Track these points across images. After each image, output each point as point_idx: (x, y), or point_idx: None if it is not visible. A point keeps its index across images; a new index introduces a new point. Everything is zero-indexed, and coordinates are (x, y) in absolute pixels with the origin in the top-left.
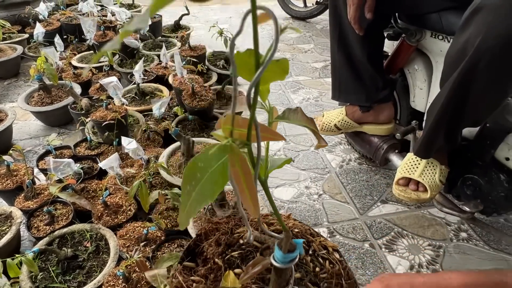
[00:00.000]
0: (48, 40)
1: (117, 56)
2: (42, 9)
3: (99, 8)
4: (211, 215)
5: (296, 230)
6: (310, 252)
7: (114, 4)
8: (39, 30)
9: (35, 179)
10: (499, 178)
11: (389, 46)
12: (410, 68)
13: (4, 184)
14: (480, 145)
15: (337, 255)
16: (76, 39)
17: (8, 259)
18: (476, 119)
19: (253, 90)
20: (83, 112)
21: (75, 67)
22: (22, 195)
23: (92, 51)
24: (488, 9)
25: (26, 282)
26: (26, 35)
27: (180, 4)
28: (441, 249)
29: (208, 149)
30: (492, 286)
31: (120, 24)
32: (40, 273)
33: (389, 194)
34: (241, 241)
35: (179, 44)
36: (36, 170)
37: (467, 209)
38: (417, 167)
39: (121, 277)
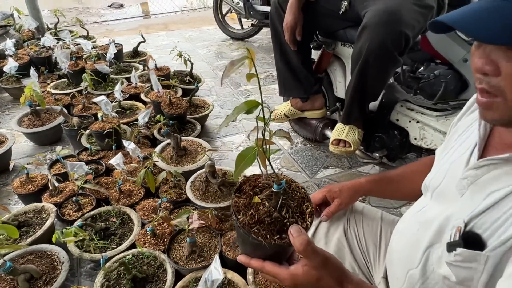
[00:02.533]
0: (20, 72)
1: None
2: (9, 45)
3: (57, 42)
4: (206, 182)
5: (286, 179)
6: (291, 188)
7: (72, 36)
8: (12, 64)
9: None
10: (394, 133)
11: (315, 54)
12: (331, 68)
13: (27, 188)
14: (381, 113)
15: (303, 190)
16: (47, 70)
17: (64, 230)
18: (374, 95)
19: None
20: (75, 128)
21: (52, 93)
22: (47, 193)
23: (64, 79)
24: (370, 27)
25: (74, 249)
26: None
27: (129, 34)
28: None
29: (246, 149)
30: (378, 178)
31: (87, 54)
32: (85, 241)
33: (329, 162)
34: (259, 184)
35: (141, 67)
36: (50, 176)
37: (377, 155)
38: (343, 131)
39: (149, 233)
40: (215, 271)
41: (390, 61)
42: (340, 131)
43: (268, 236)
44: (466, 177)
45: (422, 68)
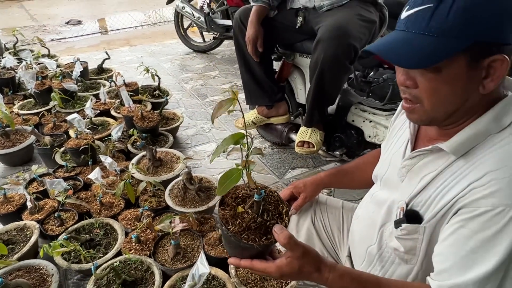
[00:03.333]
0: None
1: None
2: None
3: (18, 62)
4: (184, 188)
5: (260, 186)
6: (266, 193)
7: (33, 55)
8: None
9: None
10: (351, 133)
11: (276, 65)
12: (291, 77)
13: (6, 208)
14: (338, 116)
15: (276, 193)
16: (11, 91)
17: (51, 243)
18: (331, 100)
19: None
20: (48, 147)
21: (20, 114)
22: (27, 212)
23: (31, 99)
24: (323, 41)
25: (61, 261)
26: None
27: (91, 50)
28: (332, 188)
29: (230, 170)
30: (335, 171)
31: (51, 73)
32: (72, 253)
33: (295, 163)
34: (239, 195)
35: (108, 84)
36: (27, 195)
37: (338, 153)
38: (306, 133)
39: (134, 240)
40: (201, 266)
41: (343, 69)
42: (303, 134)
43: (256, 239)
44: (404, 166)
45: (372, 73)
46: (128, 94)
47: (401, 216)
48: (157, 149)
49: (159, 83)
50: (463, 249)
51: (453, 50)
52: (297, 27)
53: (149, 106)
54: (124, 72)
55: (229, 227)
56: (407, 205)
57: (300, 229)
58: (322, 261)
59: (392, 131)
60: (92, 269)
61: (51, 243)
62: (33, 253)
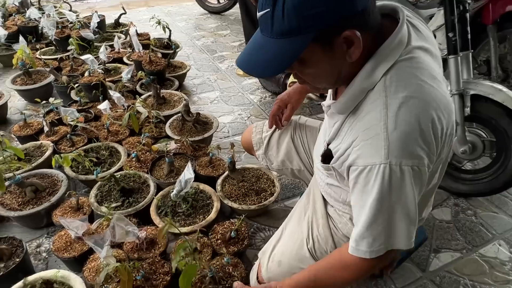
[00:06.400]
0: (9, 41)
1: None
2: None
3: (41, 14)
4: (182, 120)
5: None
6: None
7: (56, 10)
8: (1, 33)
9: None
10: None
11: None
12: None
13: (25, 131)
14: None
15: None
16: (34, 39)
17: (62, 154)
18: None
19: None
20: (65, 85)
21: (42, 59)
22: (43, 135)
23: (52, 47)
24: None
25: (70, 172)
26: None
27: (111, 10)
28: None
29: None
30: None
31: (71, 23)
32: (80, 167)
33: None
34: None
35: (123, 36)
36: (44, 123)
37: None
38: None
39: (134, 158)
40: (188, 173)
41: None
42: None
43: None
44: (326, 110)
45: None
46: (140, 43)
47: (325, 149)
48: (162, 90)
49: (170, 35)
50: (360, 200)
51: (302, 47)
52: None
53: (160, 55)
54: (140, 29)
55: None
56: (328, 144)
57: (280, 144)
58: (272, 285)
59: None
60: (95, 174)
61: (62, 155)
62: (47, 166)
